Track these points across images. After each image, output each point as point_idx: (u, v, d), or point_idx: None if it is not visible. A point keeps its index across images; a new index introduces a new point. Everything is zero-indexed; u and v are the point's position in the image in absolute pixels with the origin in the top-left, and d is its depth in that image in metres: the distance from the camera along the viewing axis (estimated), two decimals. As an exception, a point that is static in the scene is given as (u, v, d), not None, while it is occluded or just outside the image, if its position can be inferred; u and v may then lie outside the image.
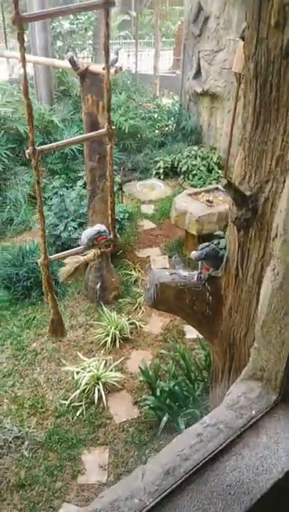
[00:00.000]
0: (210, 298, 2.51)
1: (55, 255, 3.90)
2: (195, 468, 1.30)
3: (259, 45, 1.74)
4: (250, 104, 1.90)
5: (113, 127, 3.18)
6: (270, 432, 1.38)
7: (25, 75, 2.59)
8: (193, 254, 2.52)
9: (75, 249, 4.04)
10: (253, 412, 1.46)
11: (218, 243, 2.59)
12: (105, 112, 2.99)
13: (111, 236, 3.55)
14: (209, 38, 9.32)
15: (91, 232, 3.67)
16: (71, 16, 11.12)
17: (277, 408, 1.46)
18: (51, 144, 3.42)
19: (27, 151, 3.00)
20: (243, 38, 1.92)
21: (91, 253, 3.85)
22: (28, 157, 2.98)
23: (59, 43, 11.14)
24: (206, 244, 2.52)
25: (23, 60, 2.52)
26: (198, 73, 9.99)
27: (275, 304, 1.37)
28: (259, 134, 1.90)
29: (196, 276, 2.58)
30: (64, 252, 3.98)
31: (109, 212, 3.74)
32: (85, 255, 3.90)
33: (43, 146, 3.17)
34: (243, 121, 2.01)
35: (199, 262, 2.58)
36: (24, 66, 2.53)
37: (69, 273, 3.83)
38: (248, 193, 1.98)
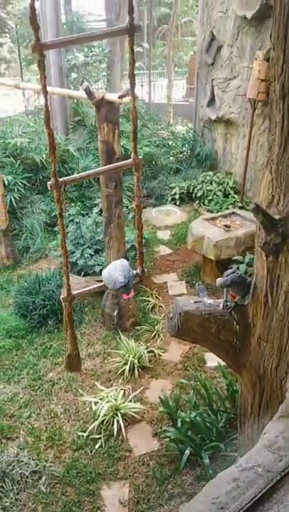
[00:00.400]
0: (237, 327, 2.40)
1: (79, 291, 3.82)
2: (234, 519, 1.18)
3: (286, 65, 1.69)
4: (278, 126, 1.84)
5: (140, 157, 3.16)
6: (315, 477, 1.25)
7: (47, 104, 2.59)
8: (219, 281, 2.43)
9: (99, 284, 3.96)
10: (294, 454, 1.34)
11: (238, 268, 2.50)
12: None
13: (138, 271, 3.49)
14: (222, 66, 9.44)
15: (122, 280, 3.55)
16: (85, 49, 11.41)
17: None
18: (74, 176, 3.42)
19: (49, 183, 2.97)
20: (267, 60, 1.87)
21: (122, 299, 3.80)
22: (50, 189, 2.95)
23: (74, 75, 11.41)
24: (232, 270, 2.43)
25: (44, 89, 2.52)
26: (212, 100, 10.09)
27: None
28: (288, 155, 1.84)
29: (222, 304, 2.48)
30: (87, 288, 3.91)
31: (137, 246, 3.69)
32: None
33: (65, 178, 3.13)
34: (269, 143, 1.95)
35: (224, 290, 2.49)
36: (45, 95, 2.52)
37: (84, 291, 3.78)
38: (277, 217, 1.90)
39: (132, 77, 2.75)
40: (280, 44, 1.69)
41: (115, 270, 3.55)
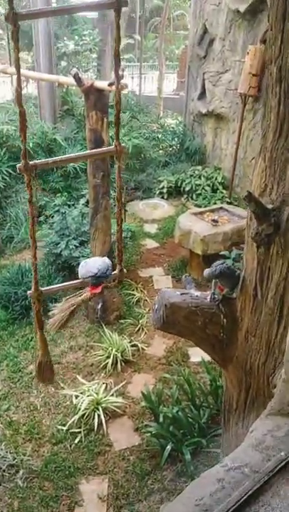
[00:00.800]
0: (224, 320, 2.33)
1: (49, 288, 3.60)
2: (218, 523, 1.10)
3: (284, 46, 1.61)
4: (273, 111, 1.76)
5: (123, 145, 3.00)
6: (305, 479, 1.18)
7: (19, 79, 2.43)
8: (206, 271, 2.35)
9: (71, 282, 3.77)
10: (282, 454, 1.26)
11: (224, 263, 2.42)
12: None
13: (116, 271, 3.35)
14: (214, 60, 9.35)
15: (94, 271, 3.41)
16: (76, 37, 11.22)
17: (311, 449, 1.27)
18: (46, 160, 3.17)
19: (18, 166, 2.75)
20: (264, 42, 1.78)
21: (88, 293, 3.59)
22: (19, 172, 2.72)
23: (63, 64, 11.22)
24: (220, 262, 2.35)
25: (17, 62, 2.37)
26: (202, 94, 10.01)
27: (311, 328, 1.19)
28: (283, 142, 1.76)
29: (210, 296, 2.40)
30: (60, 285, 3.72)
31: (117, 243, 3.51)
32: (81, 295, 3.63)
33: (36, 161, 2.92)
34: (263, 129, 1.87)
35: (213, 282, 2.41)
36: (18, 70, 2.38)
37: (62, 322, 3.50)
38: (269, 206, 1.83)
39: (117, 56, 2.62)
40: (278, 24, 1.61)
41: (94, 262, 3.44)
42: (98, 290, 3.47)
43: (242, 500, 1.17)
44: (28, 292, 3.39)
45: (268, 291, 2.03)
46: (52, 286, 3.65)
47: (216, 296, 2.40)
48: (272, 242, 1.87)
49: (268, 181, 1.88)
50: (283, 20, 1.59)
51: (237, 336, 2.33)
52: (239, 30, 8.48)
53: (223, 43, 8.96)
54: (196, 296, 2.40)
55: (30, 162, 2.82)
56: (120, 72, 5.01)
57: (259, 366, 2.17)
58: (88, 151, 4.13)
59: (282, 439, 1.34)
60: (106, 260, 3.52)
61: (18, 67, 2.45)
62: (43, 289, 3.43)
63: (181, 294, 2.42)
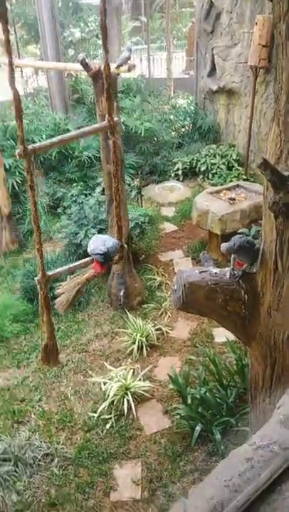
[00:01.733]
0: (245, 296, 2.26)
1: (55, 271, 3.59)
2: (248, 503, 1.06)
3: (292, 0, 1.51)
4: (285, 72, 1.67)
5: (116, 119, 2.92)
6: None
7: (11, 61, 2.36)
8: (224, 245, 2.27)
9: (77, 263, 3.77)
10: (313, 428, 1.21)
11: (243, 236, 2.34)
12: (104, 102, 2.76)
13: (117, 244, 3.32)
14: (222, 34, 9.11)
15: (102, 249, 3.41)
16: (81, 24, 11.10)
17: None
18: (46, 141, 3.13)
19: (17, 152, 2.70)
20: (271, 0, 1.68)
21: (92, 271, 3.58)
22: (18, 158, 2.69)
23: (71, 52, 11.11)
24: (238, 236, 2.28)
25: (8, 43, 2.30)
26: (212, 70, 9.77)
27: None
28: (297, 104, 1.67)
29: (229, 272, 2.33)
30: (65, 267, 3.69)
31: (115, 219, 3.47)
32: (85, 273, 3.63)
33: (35, 145, 2.87)
34: (275, 93, 1.78)
35: (232, 258, 2.34)
36: (9, 52, 2.31)
37: (68, 302, 3.51)
38: (286, 174, 1.74)
39: (104, 29, 2.55)
40: (284, -22, 1.51)
41: (103, 240, 3.45)
42: (102, 270, 3.51)
43: (272, 479, 1.12)
44: (36, 278, 3.40)
45: (288, 262, 1.95)
46: (58, 270, 3.64)
47: (235, 272, 2.33)
48: (290, 211, 1.80)
49: (283, 147, 1.79)
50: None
51: (259, 312, 2.26)
52: (246, 1, 8.21)
53: (230, 15, 8.71)
54: (215, 273, 2.34)
55: (29, 146, 2.78)
56: (128, 53, 4.95)
57: (283, 341, 2.11)
58: (82, 129, 4.09)
59: (310, 413, 1.28)
60: (114, 241, 3.50)
61: (9, 51, 2.40)
62: (49, 273, 3.44)
63: (200, 272, 2.36)
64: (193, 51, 11.84)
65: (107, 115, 2.98)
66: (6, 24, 2.21)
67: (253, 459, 1.17)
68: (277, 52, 1.68)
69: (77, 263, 3.79)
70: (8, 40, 2.30)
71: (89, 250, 3.65)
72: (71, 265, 3.74)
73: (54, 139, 3.21)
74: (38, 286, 3.43)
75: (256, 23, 7.50)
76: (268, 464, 1.14)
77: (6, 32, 2.23)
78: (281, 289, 2.06)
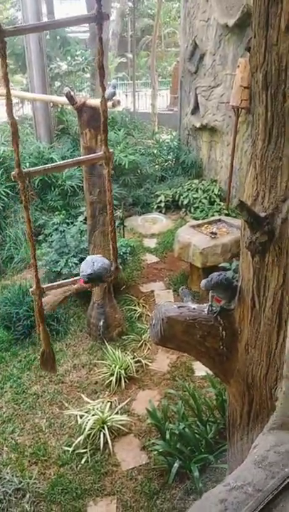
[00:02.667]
0: (223, 333, 2.28)
1: (49, 284, 3.77)
2: None
3: (268, 52, 1.60)
4: (261, 119, 1.75)
5: (111, 150, 3.05)
6: (312, 495, 1.13)
7: (9, 92, 2.45)
8: (203, 282, 2.31)
9: (71, 279, 3.91)
10: (287, 470, 1.21)
11: (221, 274, 2.38)
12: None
13: (112, 268, 3.40)
14: (205, 75, 9.45)
15: (88, 271, 3.51)
16: (68, 57, 11.36)
17: (316, 463, 1.22)
18: (39, 167, 3.32)
19: (12, 173, 2.87)
20: (248, 49, 1.78)
21: (83, 285, 3.73)
22: (13, 179, 2.87)
23: (57, 84, 11.34)
24: (217, 273, 2.32)
25: (5, 76, 2.40)
26: (196, 108, 10.10)
27: (308, 337, 1.15)
28: (272, 149, 1.74)
29: (207, 308, 2.36)
30: (59, 282, 3.84)
31: (111, 242, 3.60)
32: (75, 283, 3.77)
33: (30, 169, 3.06)
34: (252, 138, 1.86)
35: (210, 295, 2.37)
36: (7, 84, 2.40)
37: (54, 303, 3.69)
38: (262, 214, 1.80)
39: (101, 68, 2.66)
40: (261, 31, 1.60)
41: (93, 263, 3.56)
42: (86, 286, 3.65)
43: (246, 520, 1.11)
44: (30, 290, 3.59)
45: (265, 300, 1.99)
46: (52, 284, 3.81)
47: (213, 308, 2.36)
48: (266, 250, 1.85)
49: (259, 189, 1.86)
50: (266, 27, 1.59)
51: (237, 348, 2.28)
52: (229, 44, 8.58)
53: (213, 57, 9.06)
54: (194, 308, 2.37)
55: (24, 170, 2.92)
56: (112, 89, 5.09)
57: (261, 379, 2.12)
58: (78, 158, 4.22)
59: (285, 454, 1.29)
60: (106, 262, 3.59)
61: (7, 83, 2.49)
62: (44, 286, 3.58)
63: (179, 307, 2.38)
64: (177, 89, 12.24)
65: (103, 146, 3.10)
66: (4, 58, 2.29)
67: (226, 500, 1.16)
68: (254, 100, 1.76)
69: (70, 280, 3.94)
70: (5, 74, 2.39)
71: (80, 272, 3.78)
72: (63, 281, 3.87)
73: (48, 165, 3.48)
74: (33, 297, 3.61)
75: (238, 66, 7.81)
76: (242, 506, 1.13)
77: (5, 66, 2.32)
78: (258, 326, 2.08)
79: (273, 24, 1.54)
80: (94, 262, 3.63)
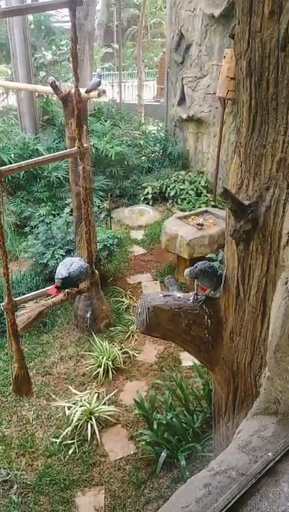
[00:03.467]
0: (208, 321, 2.29)
1: (22, 297, 3.46)
2: (205, 529, 1.06)
3: (252, 39, 1.59)
4: (245, 106, 1.74)
5: (85, 145, 2.97)
6: (293, 478, 1.15)
7: None
8: (187, 271, 2.31)
9: (45, 289, 3.69)
10: (270, 454, 1.23)
11: (206, 262, 2.38)
12: (74, 126, 2.81)
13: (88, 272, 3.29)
14: (192, 65, 9.40)
15: (64, 274, 3.31)
16: (53, 47, 11.23)
17: (299, 447, 1.23)
18: (14, 164, 3.13)
19: None
20: (232, 36, 1.77)
21: (60, 295, 3.48)
22: None
23: (42, 74, 11.21)
24: (202, 262, 2.32)
25: None
26: (182, 100, 10.05)
27: (291, 322, 1.16)
28: (256, 137, 1.74)
29: (192, 297, 2.37)
30: (34, 293, 3.60)
31: (86, 244, 3.43)
32: (53, 297, 3.53)
33: (5, 167, 2.89)
34: (237, 126, 1.86)
35: (195, 283, 2.38)
36: None
37: (29, 320, 3.38)
38: (246, 203, 1.81)
39: (75, 56, 2.61)
40: (244, 18, 1.59)
41: (69, 265, 3.35)
42: (59, 295, 3.40)
43: (229, 505, 1.13)
44: (1, 304, 3.26)
45: (250, 288, 2.00)
46: (26, 295, 3.52)
47: (198, 296, 2.37)
48: (251, 238, 1.85)
49: (243, 177, 1.86)
50: (250, 14, 1.58)
51: (222, 337, 2.30)
52: (215, 34, 8.54)
53: (199, 48, 9.02)
54: (179, 297, 2.37)
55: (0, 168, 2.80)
56: (97, 79, 5.04)
57: (245, 366, 2.14)
58: (52, 154, 4.10)
59: (269, 439, 1.31)
60: (84, 266, 3.40)
61: None
62: (16, 299, 3.32)
63: (164, 296, 2.38)
64: (163, 80, 12.16)
65: (77, 141, 3.02)
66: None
67: (210, 484, 1.17)
68: (238, 87, 1.76)
69: (42, 290, 3.72)
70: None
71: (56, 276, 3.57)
72: (39, 291, 3.66)
73: (22, 163, 3.21)
74: (5, 313, 3.30)
75: (224, 56, 7.78)
76: (225, 490, 1.14)
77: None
78: (243, 314, 2.10)
79: (257, 10, 1.53)
80: (72, 264, 3.39)
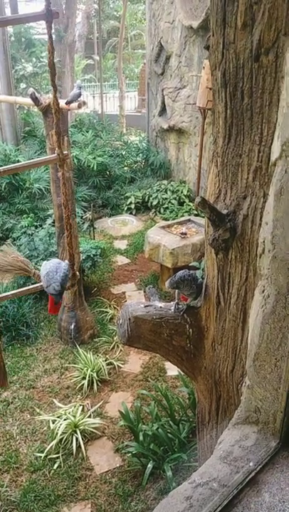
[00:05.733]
0: (190, 330, 2.29)
1: (4, 294, 3.52)
2: None
3: (226, 50, 1.62)
4: (221, 117, 1.76)
5: (65, 152, 2.99)
6: (274, 489, 1.14)
7: None
8: (167, 282, 2.30)
9: (27, 288, 3.69)
10: (251, 464, 1.22)
11: (188, 272, 2.38)
12: (54, 136, 2.82)
13: (70, 275, 3.28)
14: (172, 76, 9.51)
15: (57, 288, 3.25)
16: (34, 59, 11.25)
17: (279, 457, 1.23)
18: None
19: None
20: (207, 48, 1.79)
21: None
22: None
23: (23, 86, 11.20)
24: (183, 270, 2.32)
25: None
26: (163, 110, 10.14)
27: (268, 332, 1.16)
28: (232, 147, 1.76)
29: (173, 307, 2.36)
30: (14, 291, 3.63)
31: (67, 248, 3.44)
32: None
33: None
34: (213, 136, 1.87)
35: (176, 293, 2.37)
36: None
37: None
38: (224, 212, 1.82)
39: (52, 66, 2.64)
40: (218, 29, 1.61)
41: (55, 273, 3.26)
42: (56, 312, 3.39)
43: (211, 516, 1.11)
44: None
45: (230, 297, 2.00)
46: (6, 294, 3.54)
47: (180, 306, 2.36)
48: (229, 247, 1.86)
49: (221, 186, 1.87)
50: (224, 26, 1.60)
51: (204, 346, 2.29)
52: (194, 45, 8.65)
53: (179, 59, 9.13)
54: (160, 307, 2.36)
55: None
56: (77, 90, 5.05)
57: (227, 375, 2.13)
58: (32, 160, 4.11)
59: (250, 448, 1.30)
60: (65, 267, 3.33)
61: None
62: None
63: (145, 306, 2.37)
64: (144, 91, 12.26)
65: (56, 148, 3.03)
66: None
67: (192, 497, 1.16)
68: (214, 98, 1.77)
69: (25, 288, 3.73)
70: None
71: (44, 286, 3.47)
72: (19, 290, 3.69)
73: (1, 168, 3.22)
74: None
75: (204, 67, 7.87)
76: (207, 503, 1.13)
77: None
78: (224, 323, 2.10)
79: (230, 22, 1.55)
80: (57, 270, 3.29)
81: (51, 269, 3.28)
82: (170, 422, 4.61)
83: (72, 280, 3.40)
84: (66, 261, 3.42)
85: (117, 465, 4.51)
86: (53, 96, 2.80)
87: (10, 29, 11.10)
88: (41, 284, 3.40)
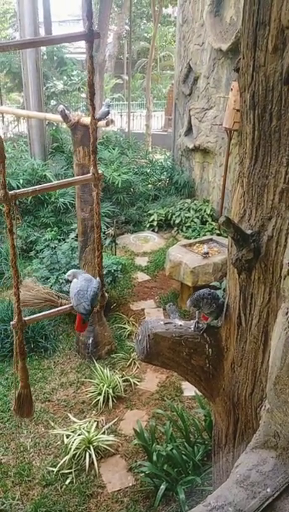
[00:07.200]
0: (209, 350, 2.26)
1: (32, 317, 3.48)
2: None
3: (256, 73, 1.64)
4: (248, 138, 1.77)
5: (100, 171, 3.04)
6: (292, 516, 1.11)
7: None
8: (188, 302, 2.29)
9: (57, 309, 3.67)
10: (268, 490, 1.19)
11: (209, 290, 2.36)
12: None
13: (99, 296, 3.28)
14: (199, 97, 9.61)
15: (87, 307, 3.22)
16: (64, 77, 11.53)
17: (298, 483, 1.19)
18: (27, 189, 3.21)
19: None
20: (237, 70, 1.82)
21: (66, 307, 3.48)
22: None
23: (53, 102, 11.48)
24: (203, 289, 2.31)
25: None
26: (189, 130, 10.24)
27: (291, 354, 1.14)
28: (259, 168, 1.76)
29: (194, 325, 2.34)
30: (44, 313, 3.59)
31: (97, 268, 3.44)
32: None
33: (17, 191, 2.96)
34: (240, 156, 1.88)
35: (196, 312, 2.36)
36: None
37: (34, 302, 3.47)
38: (248, 232, 1.81)
39: (91, 86, 2.69)
40: (249, 52, 1.64)
41: (86, 291, 3.26)
42: (84, 330, 3.39)
43: (226, 540, 1.08)
44: (11, 323, 3.29)
45: (251, 318, 1.98)
46: (36, 315, 3.54)
47: (200, 325, 2.34)
48: (252, 267, 1.85)
49: (246, 207, 1.88)
50: (254, 49, 1.63)
51: (223, 367, 2.26)
52: (222, 67, 8.75)
53: (207, 80, 9.23)
54: (180, 325, 2.35)
55: (10, 192, 2.86)
56: (106, 108, 5.15)
57: (246, 397, 2.09)
58: (67, 179, 4.18)
59: (268, 474, 1.26)
60: (95, 286, 3.31)
61: None
62: (26, 318, 3.33)
63: (165, 323, 2.36)
64: (171, 111, 12.41)
65: (92, 167, 3.08)
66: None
67: (207, 521, 1.14)
68: (242, 119, 1.79)
69: (55, 310, 3.70)
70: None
71: (73, 302, 3.45)
72: (50, 311, 3.65)
73: (37, 187, 3.29)
74: (14, 332, 3.33)
75: (231, 89, 7.95)
76: (222, 527, 1.10)
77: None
78: (244, 344, 2.07)
79: (261, 46, 1.58)
80: (88, 289, 3.25)
81: (82, 288, 3.26)
82: (185, 443, 4.53)
83: (102, 301, 3.39)
84: (97, 278, 3.41)
85: (130, 484, 4.45)
86: (90, 116, 2.87)
87: (43, 48, 11.44)
88: (70, 305, 3.40)
